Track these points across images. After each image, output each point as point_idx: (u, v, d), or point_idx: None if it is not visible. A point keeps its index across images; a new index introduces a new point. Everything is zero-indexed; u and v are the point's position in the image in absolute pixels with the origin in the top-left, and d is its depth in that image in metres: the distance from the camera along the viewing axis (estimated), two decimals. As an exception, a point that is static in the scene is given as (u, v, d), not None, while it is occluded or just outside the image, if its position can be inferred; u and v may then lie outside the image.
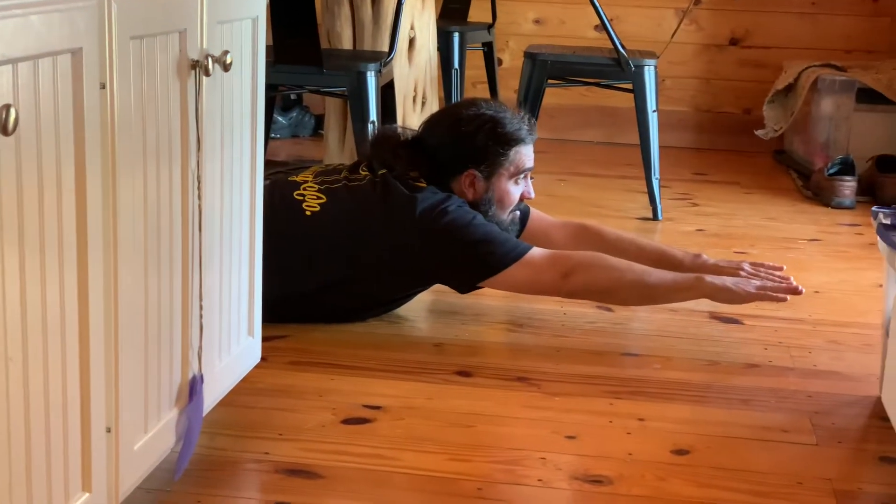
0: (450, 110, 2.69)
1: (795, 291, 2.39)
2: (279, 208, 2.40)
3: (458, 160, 2.51)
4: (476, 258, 2.40)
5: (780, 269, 2.55)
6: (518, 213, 2.62)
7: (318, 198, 2.45)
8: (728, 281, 2.40)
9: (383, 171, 2.48)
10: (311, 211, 2.43)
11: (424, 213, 2.39)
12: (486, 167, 2.51)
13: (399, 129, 2.64)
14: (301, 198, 2.45)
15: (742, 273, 2.49)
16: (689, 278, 2.43)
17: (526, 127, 2.55)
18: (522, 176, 2.56)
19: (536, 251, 2.42)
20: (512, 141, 2.51)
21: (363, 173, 2.51)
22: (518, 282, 2.41)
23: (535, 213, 2.75)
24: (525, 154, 2.54)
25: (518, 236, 2.65)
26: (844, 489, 1.83)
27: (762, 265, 2.55)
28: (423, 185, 2.47)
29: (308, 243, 2.42)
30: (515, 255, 2.39)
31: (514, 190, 2.55)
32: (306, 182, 2.50)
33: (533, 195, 2.61)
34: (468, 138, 2.51)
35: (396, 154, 2.51)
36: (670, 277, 2.44)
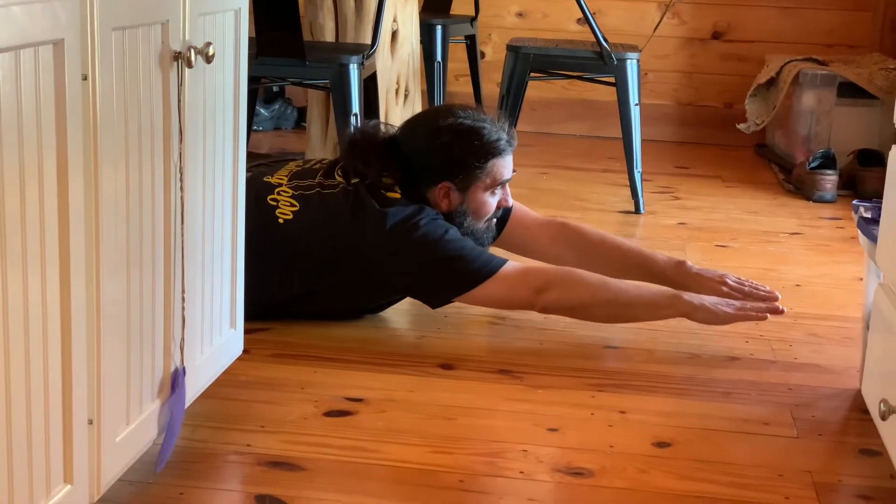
0: (427, 118, 2.63)
1: (776, 311, 2.36)
2: (252, 213, 2.35)
3: (433, 171, 2.45)
4: (448, 275, 2.36)
5: (764, 288, 2.49)
6: (494, 220, 2.57)
7: (292, 205, 2.41)
8: (707, 300, 2.35)
9: (356, 179, 2.43)
10: (283, 218, 2.39)
11: (395, 227, 2.34)
12: (462, 180, 2.45)
13: (380, 128, 2.57)
14: (274, 203, 2.41)
15: (724, 288, 2.44)
16: (667, 296, 2.37)
17: (505, 137, 2.48)
18: (501, 186, 2.50)
19: (510, 266, 2.37)
20: (489, 153, 2.45)
21: (338, 179, 2.45)
22: (490, 298, 2.37)
23: (518, 209, 2.69)
24: (502, 166, 2.48)
25: (498, 235, 2.64)
26: (824, 481, 1.84)
27: (746, 282, 2.49)
28: (397, 194, 2.42)
29: (281, 252, 2.39)
30: (488, 272, 2.34)
31: (491, 201, 2.49)
32: (281, 186, 2.45)
33: (511, 203, 2.57)
34: (444, 150, 2.44)
35: (368, 162, 2.44)
36: (647, 294, 2.39)
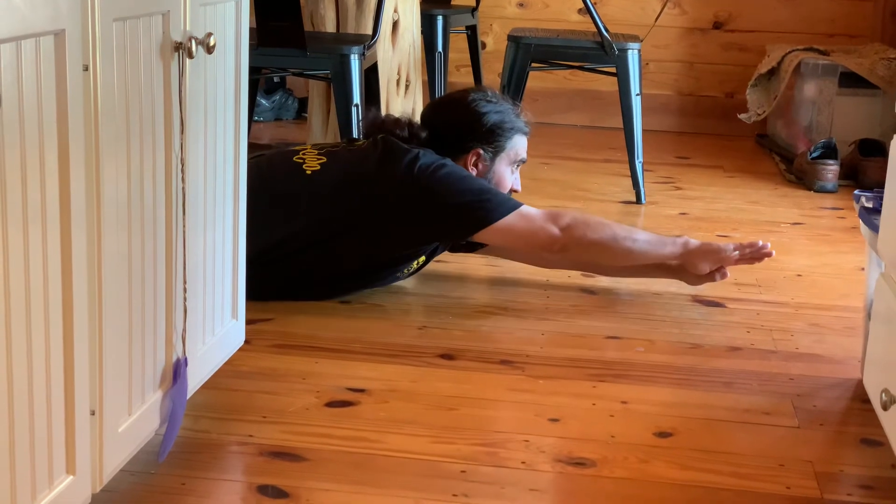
0: (460, 93, 2.77)
1: (765, 250, 2.52)
2: (278, 172, 2.50)
3: (465, 138, 2.61)
4: (473, 207, 2.45)
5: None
6: None
7: (319, 159, 2.52)
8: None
9: (383, 135, 2.56)
10: (311, 170, 2.49)
11: (423, 167, 2.46)
12: (492, 148, 2.62)
13: (384, 115, 2.74)
14: (301, 160, 2.52)
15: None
16: (673, 235, 2.57)
17: (524, 120, 2.68)
18: (516, 166, 2.67)
19: (529, 207, 2.49)
20: (516, 128, 2.64)
21: (361, 141, 2.61)
22: (515, 232, 2.47)
23: None
24: (523, 144, 2.67)
25: None
26: (826, 471, 1.84)
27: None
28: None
29: (308, 198, 2.47)
30: (512, 206, 2.46)
31: (510, 177, 2.65)
32: (305, 149, 2.58)
33: (519, 188, 2.70)
34: (480, 118, 2.62)
35: (397, 123, 2.60)
36: (655, 235, 2.58)
